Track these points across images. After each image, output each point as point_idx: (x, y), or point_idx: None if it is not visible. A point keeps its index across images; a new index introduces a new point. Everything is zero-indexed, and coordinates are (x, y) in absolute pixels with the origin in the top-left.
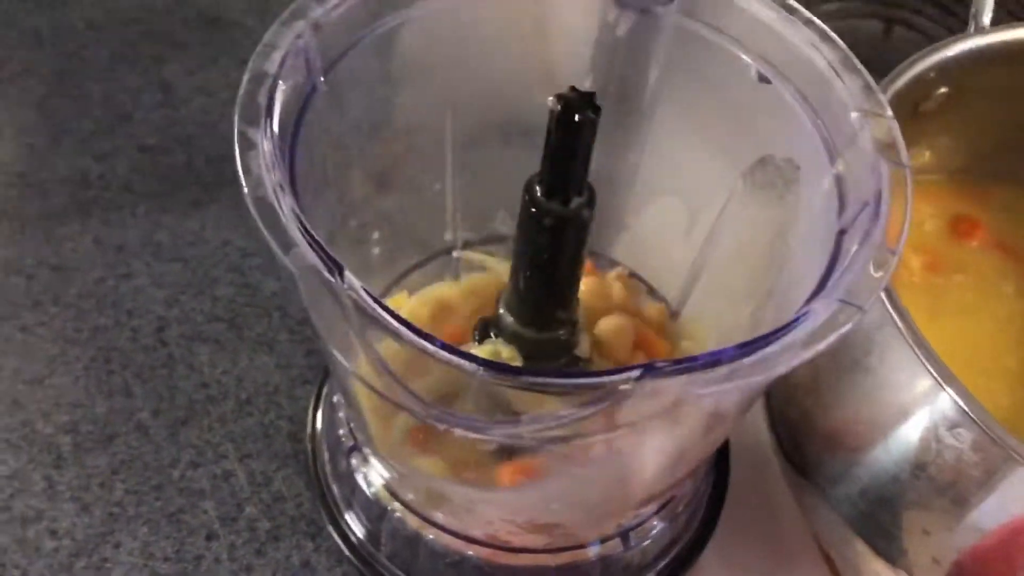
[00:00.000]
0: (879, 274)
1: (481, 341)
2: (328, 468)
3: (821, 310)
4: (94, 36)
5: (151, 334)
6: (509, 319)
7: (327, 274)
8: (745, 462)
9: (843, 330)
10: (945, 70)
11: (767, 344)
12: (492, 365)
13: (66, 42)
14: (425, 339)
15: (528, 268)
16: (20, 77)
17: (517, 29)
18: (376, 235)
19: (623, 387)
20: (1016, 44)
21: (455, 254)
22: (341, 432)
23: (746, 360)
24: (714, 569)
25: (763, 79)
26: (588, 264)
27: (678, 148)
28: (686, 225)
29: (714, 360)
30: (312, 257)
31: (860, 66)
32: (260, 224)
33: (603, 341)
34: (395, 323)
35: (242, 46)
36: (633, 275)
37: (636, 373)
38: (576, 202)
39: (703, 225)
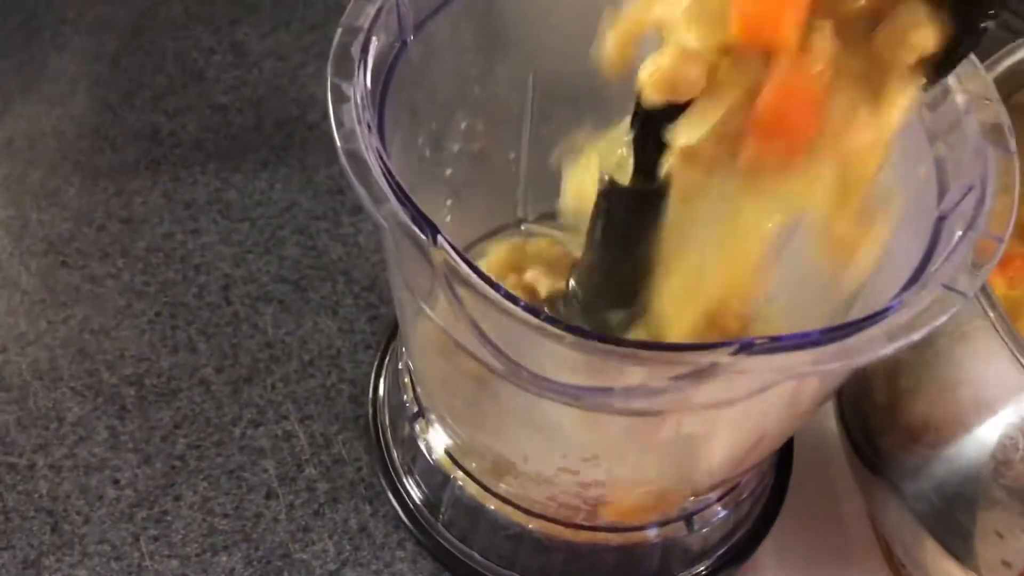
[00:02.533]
0: (983, 261)
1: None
2: (389, 433)
3: (922, 296)
4: None
5: (217, 291)
6: (581, 295)
7: (419, 232)
8: (808, 452)
9: (944, 317)
10: None
11: (864, 328)
12: (581, 332)
13: None
14: (515, 303)
15: (608, 245)
16: (95, 31)
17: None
18: (449, 202)
19: (718, 361)
20: None
21: (523, 227)
22: (405, 398)
23: (843, 343)
24: (772, 560)
25: None
26: None
27: None
28: None
29: (810, 341)
30: (403, 214)
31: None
32: (352, 177)
33: None
34: (485, 286)
35: (314, 10)
36: None
37: (732, 347)
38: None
39: None
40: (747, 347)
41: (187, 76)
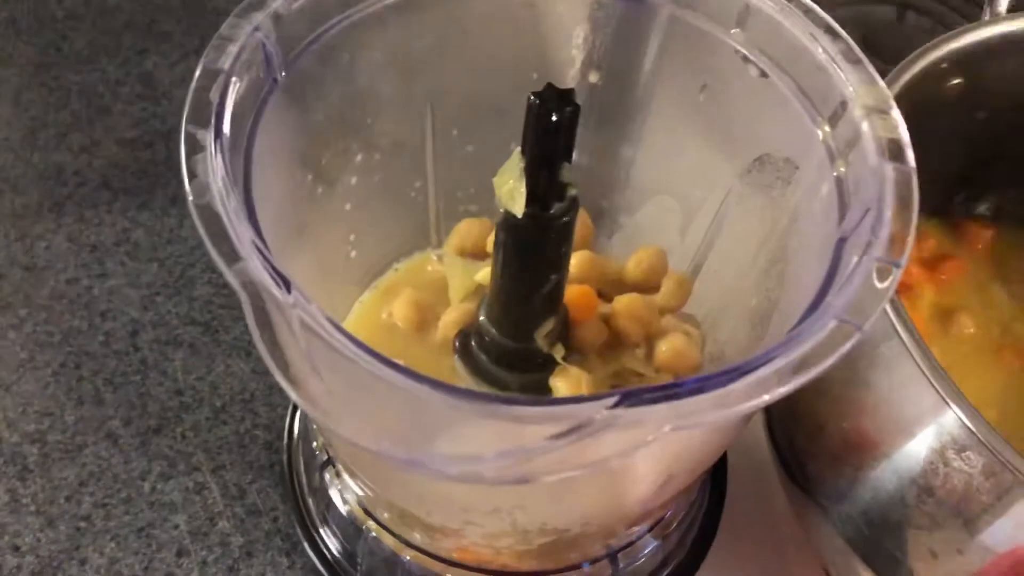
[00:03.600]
0: (882, 287)
1: (462, 354)
2: (304, 480)
3: (816, 330)
4: (73, 25)
5: (124, 338)
6: (491, 330)
7: (274, 288)
8: (744, 474)
9: (841, 351)
10: (959, 60)
11: (757, 368)
12: (456, 391)
13: (44, 31)
14: (384, 364)
15: (507, 278)
16: None
17: (503, 17)
18: (352, 237)
19: (599, 416)
20: None
21: (434, 255)
22: (315, 444)
23: (730, 388)
24: None
25: (762, 74)
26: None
27: (673, 144)
28: (681, 224)
29: (700, 387)
30: (259, 272)
31: (864, 59)
32: (203, 234)
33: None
34: (350, 346)
35: None
36: None
37: (613, 400)
38: (557, 207)
39: (699, 225)
40: (628, 398)
41: (93, 111)
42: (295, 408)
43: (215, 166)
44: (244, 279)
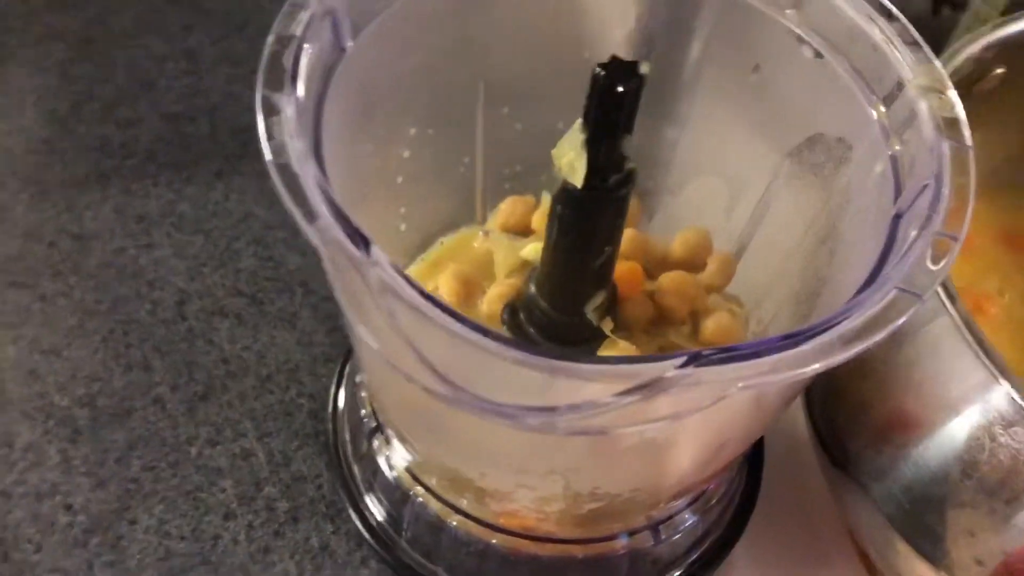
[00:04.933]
0: (940, 262)
1: (511, 327)
2: (349, 448)
3: (876, 299)
4: (119, 1)
5: (171, 307)
6: (541, 302)
7: (352, 248)
8: (779, 452)
9: (900, 320)
10: (1005, 49)
11: (818, 334)
12: (524, 347)
13: (90, 6)
14: (454, 318)
15: (562, 249)
16: (43, 41)
17: None
18: (403, 210)
19: (667, 375)
20: None
21: (480, 231)
22: (363, 412)
23: (796, 350)
24: (745, 565)
25: (816, 54)
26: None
27: (721, 125)
28: (727, 205)
29: (761, 349)
30: (337, 230)
31: (920, 40)
32: (282, 193)
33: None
34: (423, 301)
35: (269, 13)
36: None
37: (680, 360)
38: (615, 179)
39: (745, 206)
40: (695, 359)
41: (138, 85)
42: (340, 378)
43: (292, 128)
44: (325, 236)
